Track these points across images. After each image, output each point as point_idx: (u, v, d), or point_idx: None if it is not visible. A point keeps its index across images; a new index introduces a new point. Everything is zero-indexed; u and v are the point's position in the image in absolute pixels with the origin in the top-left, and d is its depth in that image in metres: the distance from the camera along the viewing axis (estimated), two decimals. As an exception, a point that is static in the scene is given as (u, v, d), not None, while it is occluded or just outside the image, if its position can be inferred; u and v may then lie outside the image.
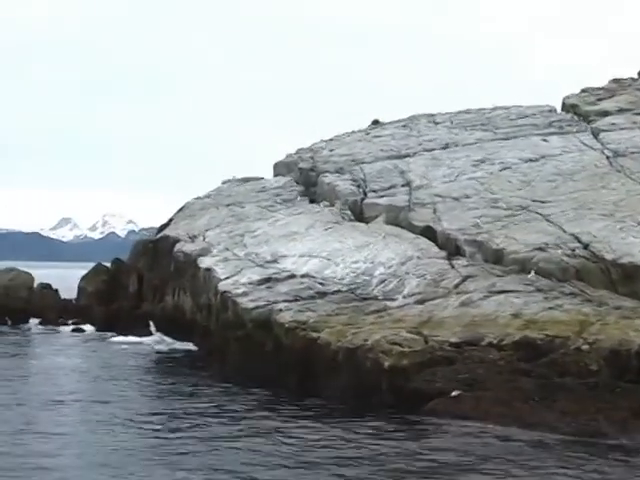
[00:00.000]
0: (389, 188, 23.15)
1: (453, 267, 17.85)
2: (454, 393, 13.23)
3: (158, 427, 12.36)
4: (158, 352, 20.57)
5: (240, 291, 18.05)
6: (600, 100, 27.52)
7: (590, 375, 13.40)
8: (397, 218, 21.49)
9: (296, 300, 17.45)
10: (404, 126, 28.50)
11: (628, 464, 10.64)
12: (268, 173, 27.76)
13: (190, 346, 20.68)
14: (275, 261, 19.39)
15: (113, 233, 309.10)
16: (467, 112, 28.89)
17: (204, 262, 19.93)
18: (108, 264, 28.65)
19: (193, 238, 22.39)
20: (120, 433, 12.00)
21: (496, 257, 18.13)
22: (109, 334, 23.74)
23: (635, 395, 12.55)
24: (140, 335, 22.53)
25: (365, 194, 23.14)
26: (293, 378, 15.56)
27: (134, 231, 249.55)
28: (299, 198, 23.92)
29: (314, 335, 16.06)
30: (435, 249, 19.00)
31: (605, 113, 26.22)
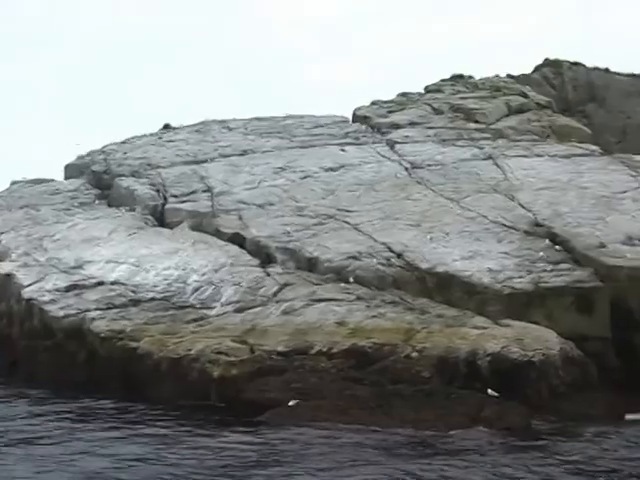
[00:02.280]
0: (190, 193, 22.78)
1: (269, 275, 17.80)
2: (291, 402, 13.20)
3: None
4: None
5: (47, 298, 17.14)
6: (391, 112, 28.45)
7: (422, 382, 13.80)
8: (201, 224, 21.17)
9: (109, 308, 16.80)
10: (197, 131, 28.19)
11: (466, 462, 10.95)
12: (52, 174, 26.50)
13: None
14: (80, 267, 18.57)
15: None
16: (260, 119, 28.98)
17: (3, 267, 18.73)
18: None
19: (-15, 243, 20.97)
20: None
21: (310, 265, 18.25)
22: None
23: (470, 401, 13.10)
24: None
25: (166, 199, 22.65)
26: (112, 389, 15.03)
27: None
28: (97, 202, 23.07)
29: (133, 345, 15.60)
30: (247, 256, 18.88)
31: (397, 126, 27.10)
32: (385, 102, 29.82)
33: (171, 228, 21.27)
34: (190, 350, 14.98)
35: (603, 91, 32.44)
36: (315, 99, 57.24)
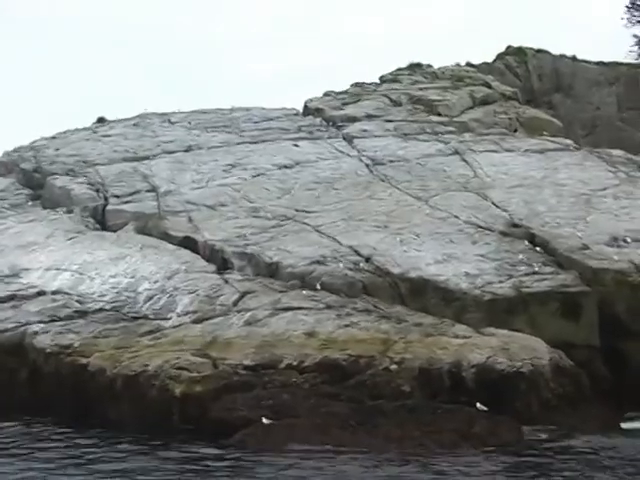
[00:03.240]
0: (133, 193, 22.59)
1: (227, 282, 17.72)
2: (265, 421, 13.12)
3: None
4: None
5: (-20, 311, 16.80)
6: (345, 105, 28.57)
7: (404, 397, 13.87)
8: (147, 227, 20.97)
9: (53, 321, 16.55)
10: (135, 125, 27.98)
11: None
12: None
13: None
14: (17, 275, 18.27)
15: None
16: (204, 112, 28.88)
17: None
18: None
19: None
20: None
21: (271, 271, 18.20)
22: None
23: (458, 416, 13.17)
24: None
25: (106, 200, 22.40)
26: (61, 410, 14.79)
27: None
28: (30, 203, 22.69)
29: (83, 361, 15.37)
30: (202, 262, 18.77)
31: (353, 119, 27.19)
32: (338, 93, 29.95)
33: (114, 231, 21.04)
34: (147, 366, 14.80)
35: (570, 80, 33.00)
36: (257, 89, 57.25)
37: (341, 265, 17.75)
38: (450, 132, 25.82)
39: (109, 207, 22.13)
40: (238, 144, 25.57)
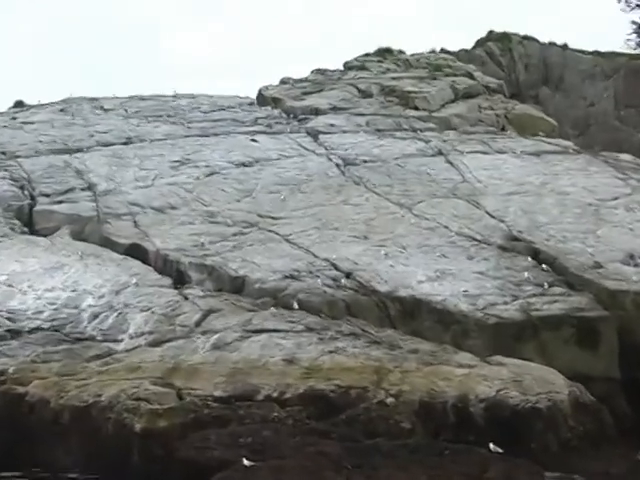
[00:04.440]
0: (66, 192, 22.43)
1: (186, 298, 17.62)
2: (246, 463, 12.99)
3: None
4: None
5: None
6: (307, 94, 28.69)
7: (404, 435, 13.84)
8: (84, 232, 20.81)
9: (-21, 342, 16.25)
10: (62, 111, 27.80)
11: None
12: None
13: None
14: None
15: None
16: (142, 99, 28.80)
17: None
18: None
19: None
20: None
21: (235, 286, 18.15)
22: None
23: (469, 458, 13.13)
24: None
25: (34, 199, 22.17)
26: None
27: None
28: (-59, 203, 22.29)
29: (19, 390, 15.07)
30: (154, 274, 18.64)
31: (316, 111, 27.29)
32: (298, 81, 30.06)
33: (45, 236, 20.79)
34: (100, 396, 14.59)
35: (560, 72, 33.39)
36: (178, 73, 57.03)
37: (319, 281, 17.73)
38: (430, 129, 26.10)
39: (37, 207, 21.89)
40: (186, 137, 25.53)
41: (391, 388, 14.64)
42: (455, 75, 29.68)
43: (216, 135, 25.52)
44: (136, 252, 19.61)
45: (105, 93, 29.52)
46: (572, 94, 33.05)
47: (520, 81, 33.09)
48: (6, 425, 14.67)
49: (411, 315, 17.02)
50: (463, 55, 32.76)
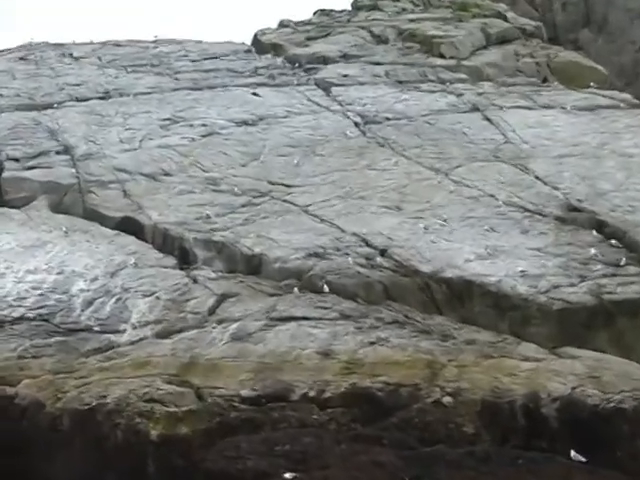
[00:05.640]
0: (38, 155, 22.28)
1: (196, 281, 17.51)
2: (287, 476, 12.93)
3: None
4: None
5: None
6: (311, 40, 28.54)
7: (466, 440, 13.79)
8: (63, 203, 20.66)
9: (-47, 334, 16.10)
10: (23, 59, 27.58)
11: None
12: None
13: None
14: None
15: None
16: (118, 44, 28.59)
17: None
18: None
19: None
20: None
21: (251, 266, 18.07)
22: None
23: (547, 468, 13.14)
24: None
25: (1, 164, 21.94)
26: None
27: None
28: None
29: (8, 391, 14.87)
30: (155, 253, 18.54)
31: (324, 59, 27.17)
32: (300, 24, 29.88)
33: (17, 207, 20.63)
34: (105, 397, 14.48)
35: (604, 11, 33.24)
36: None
37: (349, 259, 17.65)
38: (460, 80, 26.03)
39: (6, 174, 21.73)
40: (174, 90, 25.44)
41: (447, 385, 14.61)
42: (484, 16, 29.58)
43: (211, 88, 25.39)
44: (129, 226, 19.53)
45: (68, 38, 29.42)
46: (618, 37, 32.95)
47: (557, 23, 32.98)
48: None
49: (459, 299, 16.97)
50: (488, -8, 32.55)
